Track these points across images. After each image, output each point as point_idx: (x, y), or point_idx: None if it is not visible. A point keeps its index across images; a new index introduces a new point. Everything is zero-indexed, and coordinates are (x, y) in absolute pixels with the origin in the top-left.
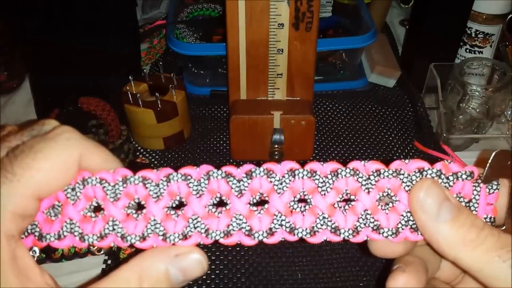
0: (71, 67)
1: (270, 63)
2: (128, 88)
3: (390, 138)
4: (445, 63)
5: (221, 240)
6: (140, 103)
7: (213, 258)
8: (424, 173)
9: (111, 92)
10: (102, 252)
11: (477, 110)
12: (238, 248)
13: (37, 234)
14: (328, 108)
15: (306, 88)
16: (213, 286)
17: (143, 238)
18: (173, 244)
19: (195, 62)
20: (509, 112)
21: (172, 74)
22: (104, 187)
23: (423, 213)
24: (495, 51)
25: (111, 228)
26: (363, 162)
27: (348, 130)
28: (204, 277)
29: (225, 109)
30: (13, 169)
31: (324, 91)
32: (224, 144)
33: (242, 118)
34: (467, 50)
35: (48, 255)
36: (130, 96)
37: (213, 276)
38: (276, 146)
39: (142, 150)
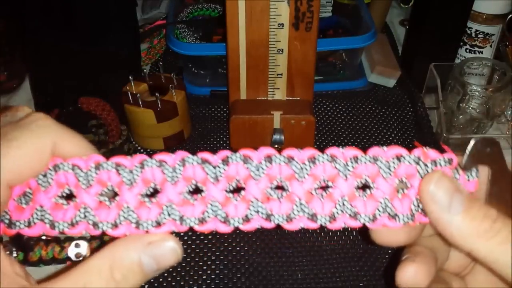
0: (71, 67)
1: (270, 63)
2: (128, 88)
3: (390, 138)
4: (445, 63)
5: (196, 227)
6: (140, 103)
7: (213, 258)
8: (402, 159)
9: (111, 92)
10: (81, 258)
11: (477, 110)
12: (238, 248)
13: (7, 221)
14: (328, 108)
15: (306, 88)
16: (213, 286)
17: (115, 225)
18: (147, 231)
19: (195, 62)
20: (509, 112)
21: (172, 74)
22: (77, 173)
23: (434, 205)
24: (495, 51)
25: (82, 216)
26: (340, 148)
27: (348, 130)
28: (204, 277)
29: (225, 109)
30: None
31: (324, 91)
32: (224, 144)
33: (242, 118)
34: (467, 50)
35: (25, 257)
36: (130, 96)
37: (213, 276)
38: (276, 146)
39: (142, 150)
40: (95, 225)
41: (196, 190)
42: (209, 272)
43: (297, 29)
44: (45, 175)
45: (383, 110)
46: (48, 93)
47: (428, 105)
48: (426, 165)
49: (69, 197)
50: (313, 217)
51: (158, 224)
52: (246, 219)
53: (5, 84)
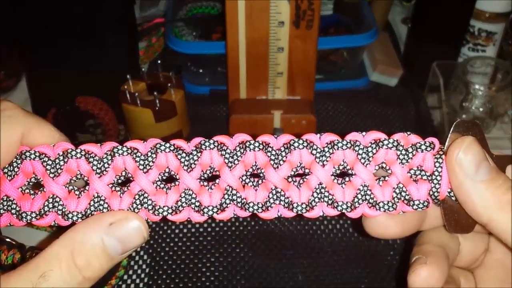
0: (69, 66)
1: (270, 61)
2: (126, 87)
3: None
4: (448, 62)
5: (169, 217)
6: (138, 102)
7: (212, 260)
8: (381, 144)
9: (109, 91)
10: None
11: (480, 109)
12: (238, 250)
13: None
14: (329, 108)
15: (307, 87)
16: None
17: (86, 215)
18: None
19: (194, 60)
20: None
21: (170, 73)
22: (44, 161)
23: (460, 170)
24: (499, 49)
25: (51, 206)
26: (318, 134)
27: (350, 129)
28: (203, 279)
29: (224, 109)
30: None
31: (325, 90)
32: None
33: (241, 117)
34: (470, 49)
35: None
36: (128, 95)
37: (212, 278)
38: None
39: None
40: (64, 215)
41: (170, 179)
42: (208, 273)
43: (298, 27)
44: (11, 164)
45: (385, 110)
46: (45, 92)
47: (430, 104)
48: (406, 150)
49: (37, 186)
50: (289, 205)
51: None
52: (221, 208)
53: (2, 83)
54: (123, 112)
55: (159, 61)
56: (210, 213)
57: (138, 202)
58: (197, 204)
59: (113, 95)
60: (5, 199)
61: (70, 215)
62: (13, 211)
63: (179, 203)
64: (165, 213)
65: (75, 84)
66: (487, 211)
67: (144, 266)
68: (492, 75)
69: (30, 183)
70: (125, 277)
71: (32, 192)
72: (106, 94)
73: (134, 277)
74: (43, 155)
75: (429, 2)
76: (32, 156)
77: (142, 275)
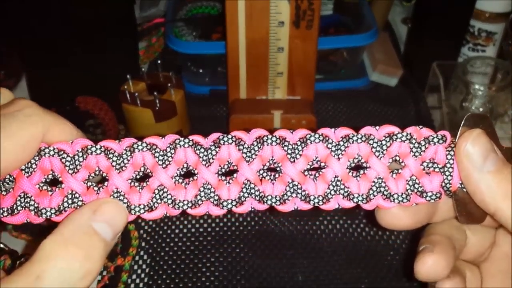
0: (68, 66)
1: (271, 61)
2: (126, 87)
3: None
4: (448, 62)
5: (189, 211)
6: (138, 102)
7: (212, 260)
8: (394, 137)
9: (108, 91)
10: None
11: (480, 109)
12: (237, 250)
13: None
14: (329, 108)
15: (307, 87)
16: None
17: None
18: (139, 216)
19: (194, 60)
20: None
21: (170, 73)
22: (62, 158)
23: (468, 162)
24: (499, 49)
25: (70, 201)
26: (332, 129)
27: None
28: (203, 279)
29: (224, 109)
30: None
31: (325, 90)
32: None
33: (241, 117)
34: (470, 49)
35: None
36: (128, 95)
37: (212, 278)
38: None
39: None
40: None
41: (188, 174)
42: (208, 273)
43: (298, 27)
44: (29, 161)
45: (385, 110)
46: (45, 92)
47: (430, 104)
48: (419, 143)
49: (53, 183)
50: (306, 198)
51: (151, 208)
52: (240, 202)
53: (2, 83)
54: (123, 112)
55: (159, 61)
56: (229, 206)
57: (157, 197)
58: (216, 198)
59: (113, 95)
60: (22, 196)
61: None
62: (31, 207)
63: (198, 197)
64: (184, 207)
65: (75, 84)
66: (494, 201)
67: (144, 266)
68: (492, 75)
69: (47, 180)
70: (125, 276)
71: (49, 189)
72: (106, 94)
73: (134, 277)
74: (62, 152)
75: (429, 2)
76: (51, 153)
77: (142, 275)
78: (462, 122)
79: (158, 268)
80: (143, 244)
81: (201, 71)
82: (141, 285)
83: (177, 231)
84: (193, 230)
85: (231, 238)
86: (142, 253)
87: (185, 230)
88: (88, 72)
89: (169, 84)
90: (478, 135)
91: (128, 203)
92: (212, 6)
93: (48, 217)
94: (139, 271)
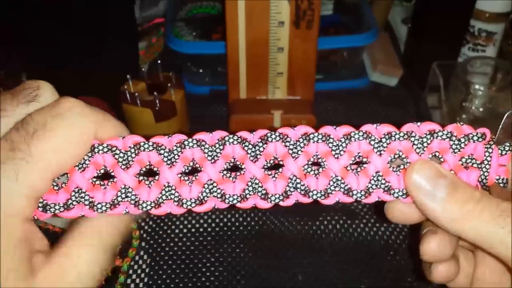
0: (68, 66)
1: (271, 61)
2: (126, 87)
3: None
4: (448, 62)
5: (238, 204)
6: (138, 102)
7: (212, 260)
8: (435, 135)
9: (108, 91)
10: None
11: (480, 109)
12: (238, 250)
13: (40, 205)
14: (329, 108)
15: (307, 87)
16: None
17: (158, 204)
18: (189, 209)
19: (194, 60)
20: None
21: (170, 73)
22: (115, 154)
23: (419, 193)
24: (499, 50)
25: (124, 196)
26: (375, 125)
27: None
28: (203, 279)
29: (224, 109)
30: (30, 150)
31: (325, 90)
32: None
33: (241, 117)
34: (470, 49)
35: None
36: (128, 96)
37: (212, 278)
38: None
39: None
40: (137, 204)
41: (232, 169)
42: (208, 274)
43: (298, 27)
44: (82, 158)
45: (385, 110)
46: None
47: (430, 104)
48: (459, 140)
49: (103, 178)
50: (348, 192)
51: (201, 202)
52: (286, 195)
53: (2, 83)
54: (123, 112)
55: (159, 61)
56: (277, 200)
57: (207, 190)
58: (263, 192)
59: (113, 95)
60: (76, 190)
61: (144, 205)
62: (86, 202)
63: (246, 191)
64: (234, 201)
65: (75, 84)
66: (453, 226)
67: (144, 266)
68: (492, 75)
69: (99, 175)
70: (122, 278)
71: (102, 183)
72: (106, 94)
73: (134, 277)
74: (115, 148)
75: (429, 2)
76: (105, 149)
77: (142, 275)
78: (503, 121)
79: (158, 268)
80: (143, 244)
81: (201, 71)
82: (141, 285)
83: (177, 231)
84: (193, 230)
85: (231, 238)
86: (142, 253)
87: (185, 230)
88: (88, 72)
89: (169, 84)
90: (421, 165)
91: (180, 197)
92: (212, 6)
93: (103, 211)
94: (139, 271)
